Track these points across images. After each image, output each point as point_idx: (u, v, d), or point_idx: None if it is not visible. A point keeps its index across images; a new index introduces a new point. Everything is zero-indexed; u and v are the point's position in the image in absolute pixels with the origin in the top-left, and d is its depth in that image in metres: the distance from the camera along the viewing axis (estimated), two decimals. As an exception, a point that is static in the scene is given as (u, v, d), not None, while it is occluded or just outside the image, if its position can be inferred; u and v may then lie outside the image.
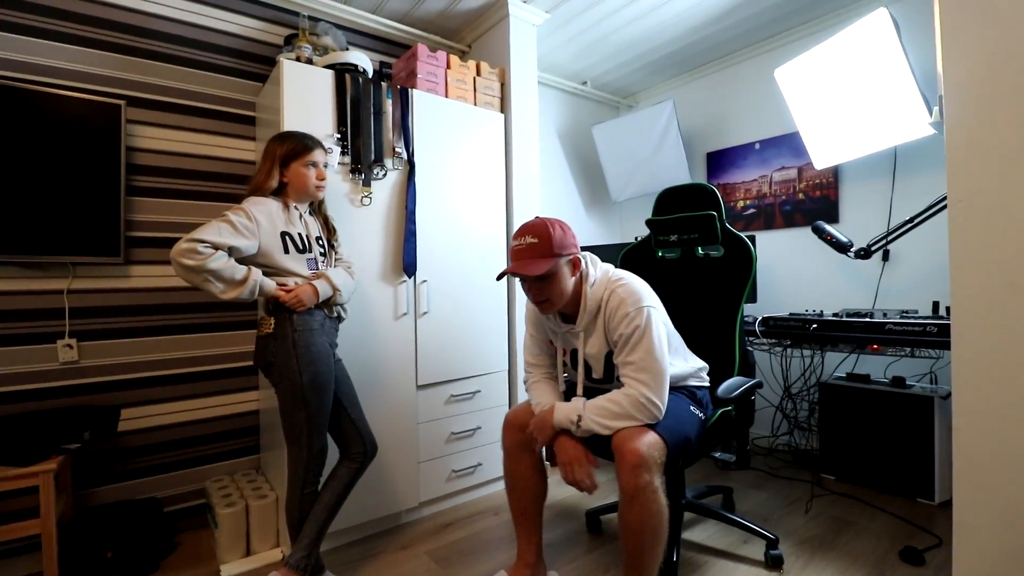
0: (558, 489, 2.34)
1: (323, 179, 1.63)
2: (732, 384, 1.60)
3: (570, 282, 1.46)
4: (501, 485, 2.41)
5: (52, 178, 1.79)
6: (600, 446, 1.44)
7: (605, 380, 1.54)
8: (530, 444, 1.52)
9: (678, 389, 1.56)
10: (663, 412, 1.38)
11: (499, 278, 1.54)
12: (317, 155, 1.61)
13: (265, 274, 1.52)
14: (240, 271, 1.44)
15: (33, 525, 1.56)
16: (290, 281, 1.54)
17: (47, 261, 1.81)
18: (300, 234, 1.58)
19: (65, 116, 1.80)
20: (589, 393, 1.52)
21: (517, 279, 1.71)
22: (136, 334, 2.01)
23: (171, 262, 1.38)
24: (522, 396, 2.38)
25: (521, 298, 2.41)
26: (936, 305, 2.18)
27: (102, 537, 1.73)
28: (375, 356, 2.02)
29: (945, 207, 1.52)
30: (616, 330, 1.43)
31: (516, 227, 2.42)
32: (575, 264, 1.47)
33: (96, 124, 1.85)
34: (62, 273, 1.86)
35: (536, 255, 1.41)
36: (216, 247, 1.40)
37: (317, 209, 1.71)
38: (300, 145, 1.59)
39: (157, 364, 2.05)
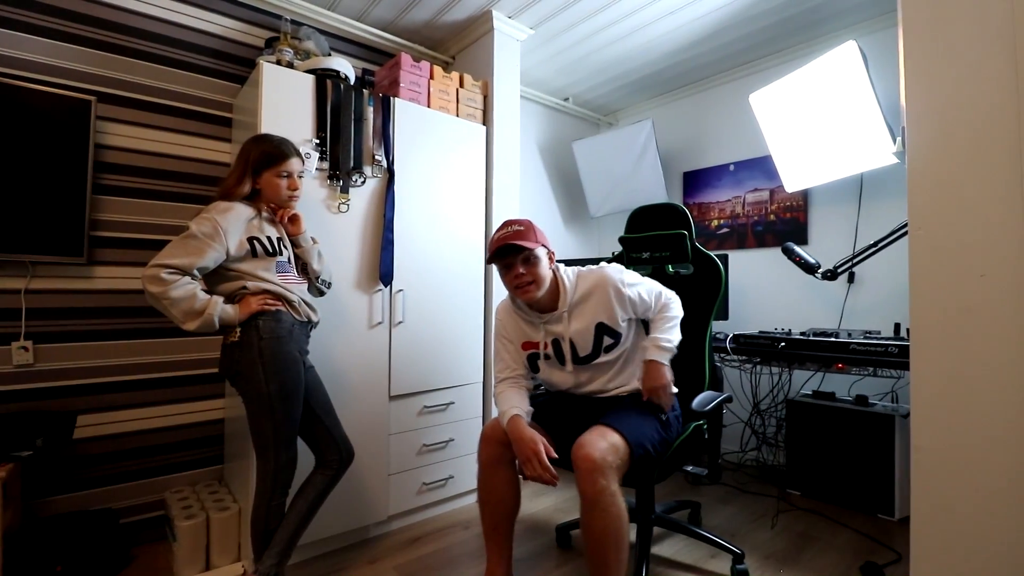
0: (528, 503, 2.33)
1: (295, 189, 1.59)
2: (705, 398, 1.63)
3: (548, 271, 1.58)
4: (472, 498, 2.39)
5: (14, 173, 1.72)
6: (563, 456, 1.45)
7: (592, 355, 1.61)
8: (513, 457, 1.52)
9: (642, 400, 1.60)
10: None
11: (489, 261, 1.59)
12: (291, 164, 1.57)
13: (231, 278, 1.49)
14: (200, 302, 1.40)
15: (-24, 537, 1.48)
16: (256, 285, 1.50)
17: (4, 259, 1.74)
18: (270, 237, 1.55)
19: (31, 110, 1.74)
20: (572, 399, 1.67)
21: (499, 280, 1.79)
22: (96, 337, 1.94)
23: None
24: (495, 409, 2.37)
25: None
26: (897, 327, 2.26)
27: (52, 550, 1.65)
28: (347, 365, 1.99)
29: (906, 233, 1.58)
30: (623, 297, 1.58)
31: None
32: (550, 257, 1.62)
33: (64, 119, 1.80)
34: (20, 272, 1.79)
35: (523, 238, 1.54)
36: (183, 271, 1.38)
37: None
38: (275, 153, 1.55)
39: (118, 369, 1.98)
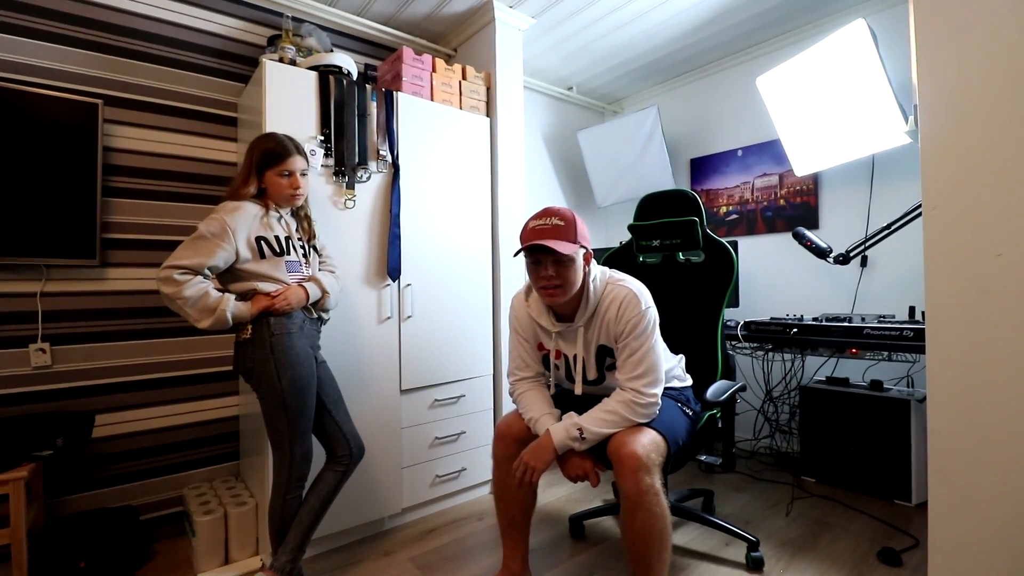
0: (541, 494, 2.34)
1: (297, 187, 1.58)
2: (719, 388, 1.63)
3: (580, 274, 1.45)
4: (486, 490, 2.41)
5: (25, 178, 1.74)
6: (598, 455, 1.43)
7: (599, 379, 1.54)
8: (526, 476, 1.41)
9: (664, 393, 1.55)
10: (659, 407, 1.42)
11: (518, 253, 1.45)
12: (292, 163, 1.57)
13: (243, 278, 1.51)
14: (212, 299, 1.42)
15: (2, 535, 1.51)
16: (267, 286, 1.52)
17: (19, 263, 1.77)
18: (277, 237, 1.56)
19: (39, 115, 1.76)
20: (584, 397, 1.54)
21: (508, 271, 1.67)
22: (112, 338, 1.96)
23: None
24: (507, 400, 2.38)
25: (506, 301, 2.41)
26: (912, 310, 2.23)
27: (75, 547, 1.68)
28: (358, 360, 2.00)
29: (920, 214, 1.55)
30: (622, 329, 1.43)
31: (502, 230, 2.44)
32: (587, 259, 1.47)
33: (72, 123, 1.81)
34: (35, 275, 1.81)
35: (561, 236, 1.39)
36: (194, 271, 1.41)
37: (298, 211, 1.69)
38: (276, 151, 1.55)
39: (133, 369, 2.00)
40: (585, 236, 1.45)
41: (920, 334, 1.84)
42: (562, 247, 1.36)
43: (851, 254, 2.30)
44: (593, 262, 1.52)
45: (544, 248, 1.37)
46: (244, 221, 1.49)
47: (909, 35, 1.13)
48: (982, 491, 1.02)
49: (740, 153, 3.09)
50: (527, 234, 1.43)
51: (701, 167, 3.29)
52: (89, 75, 1.92)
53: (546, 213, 1.44)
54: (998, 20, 1.00)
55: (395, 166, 2.09)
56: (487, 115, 2.48)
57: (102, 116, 1.87)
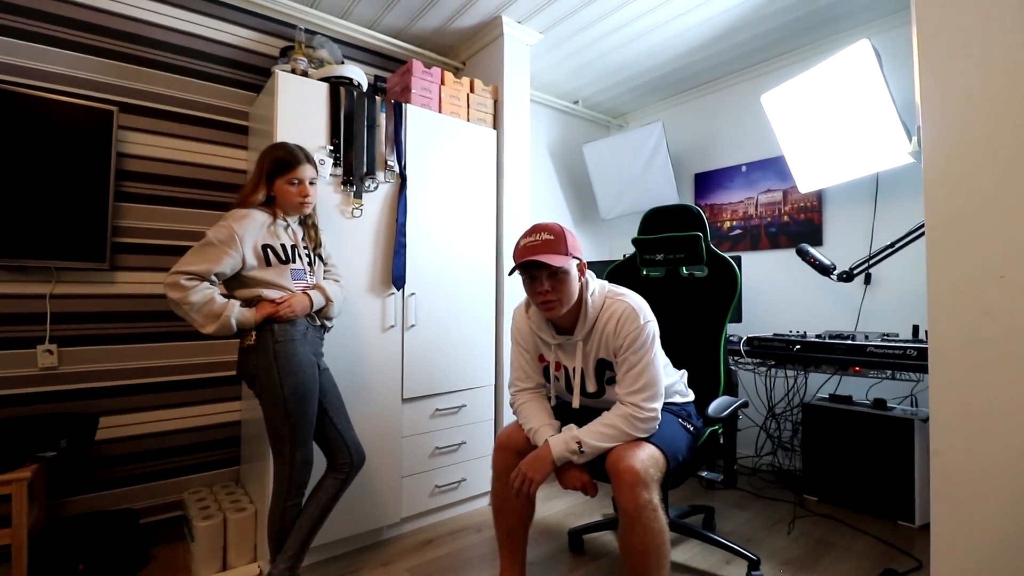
0: (540, 507, 2.33)
1: (306, 195, 1.60)
2: (722, 404, 1.62)
3: (576, 286, 1.45)
4: (485, 501, 2.40)
5: (39, 181, 1.77)
6: (596, 469, 1.43)
7: (598, 393, 1.54)
8: (523, 487, 1.41)
9: (665, 408, 1.56)
10: (658, 422, 1.41)
11: (513, 272, 1.46)
12: (302, 171, 1.59)
13: (249, 285, 1.52)
14: (218, 305, 1.44)
15: (3, 535, 1.52)
16: (272, 293, 1.53)
17: (30, 265, 1.79)
18: (283, 245, 1.58)
19: (55, 120, 1.79)
20: (584, 409, 1.54)
21: (511, 283, 1.68)
22: (118, 341, 1.98)
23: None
24: (508, 412, 2.37)
25: (509, 313, 2.42)
26: (916, 329, 2.22)
27: (74, 549, 1.69)
28: (361, 368, 2.00)
29: (923, 234, 1.56)
30: (620, 343, 1.44)
31: (506, 242, 2.46)
32: (581, 270, 1.48)
33: (87, 129, 1.85)
34: (45, 277, 1.84)
35: (552, 250, 1.41)
36: (201, 277, 1.43)
37: (305, 219, 1.71)
38: (285, 161, 1.58)
39: (138, 372, 2.02)
40: (576, 248, 1.47)
41: (923, 353, 1.83)
42: (554, 260, 1.38)
43: (855, 271, 2.30)
44: (591, 275, 1.54)
45: (537, 263, 1.39)
46: (251, 229, 1.51)
47: (913, 55, 1.14)
48: (985, 513, 1.02)
49: (744, 169, 3.10)
50: (519, 252, 1.45)
51: (705, 182, 3.31)
52: (105, 82, 1.96)
53: (535, 230, 1.45)
54: (1002, 41, 1.01)
55: (402, 176, 2.12)
56: (494, 127, 2.51)
57: (117, 122, 1.91)
